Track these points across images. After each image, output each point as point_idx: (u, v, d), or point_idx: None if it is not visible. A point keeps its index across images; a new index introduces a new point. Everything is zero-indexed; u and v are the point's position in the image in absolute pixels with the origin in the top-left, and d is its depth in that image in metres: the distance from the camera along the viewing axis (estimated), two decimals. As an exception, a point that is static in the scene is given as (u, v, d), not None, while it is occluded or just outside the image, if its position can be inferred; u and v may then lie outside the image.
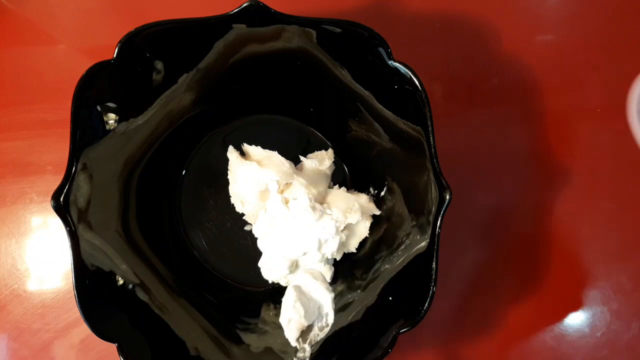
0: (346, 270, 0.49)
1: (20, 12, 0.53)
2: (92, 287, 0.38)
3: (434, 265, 0.38)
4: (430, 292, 0.38)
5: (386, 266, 0.44)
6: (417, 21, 0.54)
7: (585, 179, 0.53)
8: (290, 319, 0.42)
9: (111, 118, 0.40)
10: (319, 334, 0.43)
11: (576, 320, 0.51)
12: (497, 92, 0.54)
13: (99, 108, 0.39)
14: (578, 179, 0.52)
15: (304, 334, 0.43)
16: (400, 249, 0.44)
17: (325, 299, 0.44)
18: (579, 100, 0.54)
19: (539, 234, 0.52)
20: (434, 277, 0.38)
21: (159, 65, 0.41)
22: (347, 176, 0.52)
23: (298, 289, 0.44)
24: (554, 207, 0.52)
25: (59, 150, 0.52)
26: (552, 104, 0.53)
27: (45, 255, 0.51)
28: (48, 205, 0.51)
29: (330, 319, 0.43)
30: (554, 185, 0.52)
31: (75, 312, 0.49)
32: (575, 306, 0.51)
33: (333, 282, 0.48)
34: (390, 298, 0.42)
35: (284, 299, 0.44)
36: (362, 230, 0.47)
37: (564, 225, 0.52)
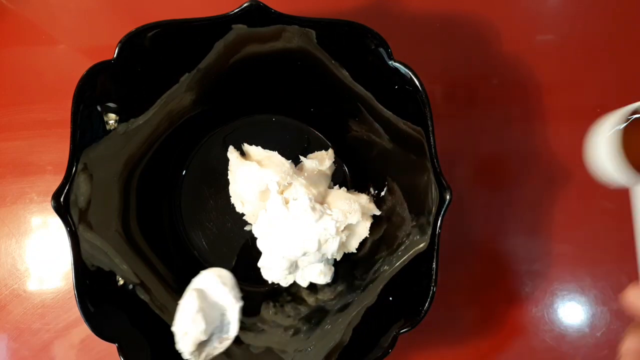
0: (346, 270, 0.49)
1: (20, 12, 0.53)
2: (92, 287, 0.38)
3: (434, 266, 0.38)
4: (431, 292, 0.38)
5: (386, 266, 0.44)
6: (417, 21, 0.54)
7: (585, 179, 0.52)
8: (187, 332, 0.38)
9: (111, 118, 0.40)
10: (216, 347, 0.39)
11: (576, 320, 0.51)
12: (497, 92, 0.54)
13: (99, 108, 0.39)
14: (578, 179, 0.52)
15: (201, 346, 0.39)
16: (400, 249, 0.44)
17: (231, 308, 0.40)
18: (579, 100, 0.54)
19: (539, 234, 0.52)
20: (434, 277, 0.38)
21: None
22: (347, 176, 0.51)
23: (201, 294, 0.39)
24: (554, 207, 0.52)
25: (59, 150, 0.52)
26: (552, 104, 0.53)
27: (45, 255, 0.51)
28: (48, 205, 0.50)
29: (233, 332, 0.39)
30: (554, 185, 0.52)
31: (75, 312, 0.49)
32: (575, 306, 0.51)
33: (333, 282, 0.48)
34: (390, 298, 0.42)
35: (183, 304, 0.39)
36: (362, 230, 0.47)
37: (564, 225, 0.52)
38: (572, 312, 0.51)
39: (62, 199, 0.36)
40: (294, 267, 0.46)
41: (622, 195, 0.53)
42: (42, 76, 0.53)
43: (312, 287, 0.49)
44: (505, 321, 0.51)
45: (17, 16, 0.53)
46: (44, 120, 0.52)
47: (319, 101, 0.49)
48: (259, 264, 0.47)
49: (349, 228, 0.47)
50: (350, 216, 0.45)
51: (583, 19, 0.55)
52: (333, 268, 0.48)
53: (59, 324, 0.50)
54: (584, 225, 0.52)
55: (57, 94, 0.52)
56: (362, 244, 0.48)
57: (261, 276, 0.48)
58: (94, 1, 0.54)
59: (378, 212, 0.48)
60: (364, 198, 0.48)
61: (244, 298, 0.50)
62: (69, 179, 0.37)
